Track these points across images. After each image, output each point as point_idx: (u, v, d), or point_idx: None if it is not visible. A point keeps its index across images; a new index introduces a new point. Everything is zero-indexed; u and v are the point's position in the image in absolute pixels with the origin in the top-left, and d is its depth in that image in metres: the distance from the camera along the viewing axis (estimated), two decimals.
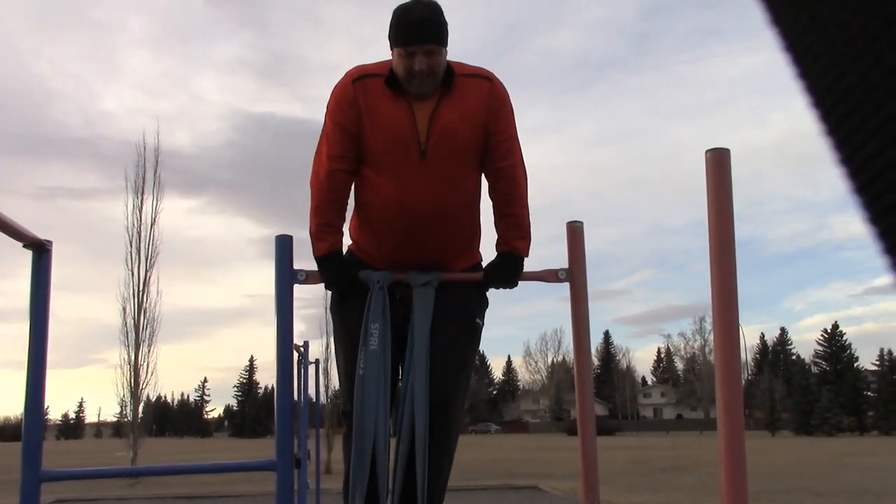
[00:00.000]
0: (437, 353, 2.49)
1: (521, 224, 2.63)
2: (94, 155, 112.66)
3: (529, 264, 2.68)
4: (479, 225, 2.71)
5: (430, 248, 2.57)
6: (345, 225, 2.64)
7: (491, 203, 2.65)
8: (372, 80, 2.46)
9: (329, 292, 2.71)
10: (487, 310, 2.70)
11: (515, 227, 2.63)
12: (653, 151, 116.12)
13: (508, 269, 2.61)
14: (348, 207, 2.65)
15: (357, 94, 2.45)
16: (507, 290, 2.66)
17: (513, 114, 2.57)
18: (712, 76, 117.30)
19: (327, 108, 2.52)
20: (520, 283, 2.66)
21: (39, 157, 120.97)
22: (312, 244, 2.56)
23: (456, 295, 2.58)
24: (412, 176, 2.47)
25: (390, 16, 2.43)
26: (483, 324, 2.67)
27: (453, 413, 2.52)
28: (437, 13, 2.41)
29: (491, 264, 2.65)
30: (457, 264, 2.64)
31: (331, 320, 2.75)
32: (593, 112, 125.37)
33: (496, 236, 2.66)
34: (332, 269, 2.54)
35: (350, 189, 2.59)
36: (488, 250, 2.72)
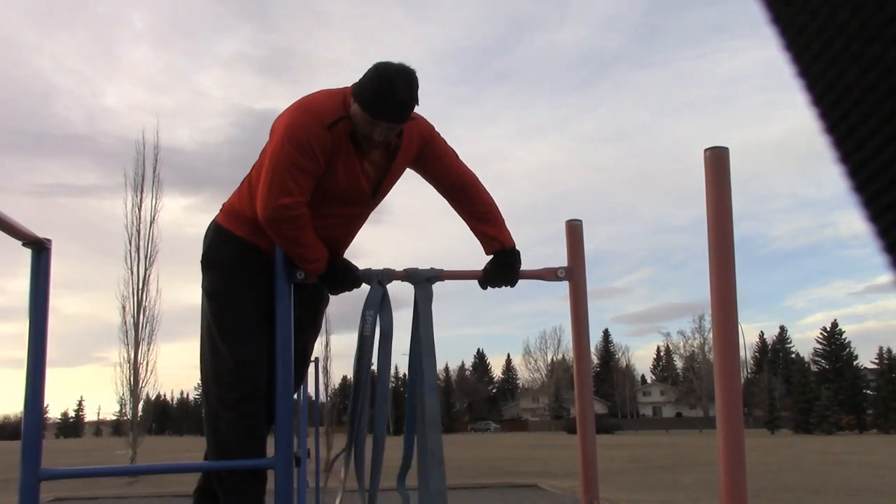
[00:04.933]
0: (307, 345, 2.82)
1: (499, 217, 2.72)
2: (95, 152, 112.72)
3: (528, 263, 2.68)
4: None
5: (339, 249, 2.74)
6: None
7: (462, 216, 2.74)
8: (342, 126, 2.45)
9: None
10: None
11: (495, 223, 2.70)
12: (655, 148, 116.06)
13: (510, 267, 2.64)
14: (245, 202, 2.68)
15: (333, 142, 2.45)
16: (509, 288, 2.68)
17: (438, 132, 2.71)
18: (717, 73, 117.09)
19: (290, 144, 2.41)
20: (520, 280, 2.66)
21: (39, 154, 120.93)
22: (310, 266, 2.49)
23: (324, 296, 2.86)
24: (358, 212, 2.69)
25: (371, 70, 2.38)
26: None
27: None
28: (415, 92, 2.41)
29: (491, 266, 2.65)
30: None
31: (223, 301, 2.68)
32: (596, 109, 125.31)
33: (480, 243, 2.71)
34: (341, 273, 2.55)
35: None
36: (474, 255, 2.74)
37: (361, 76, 2.44)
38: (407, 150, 2.62)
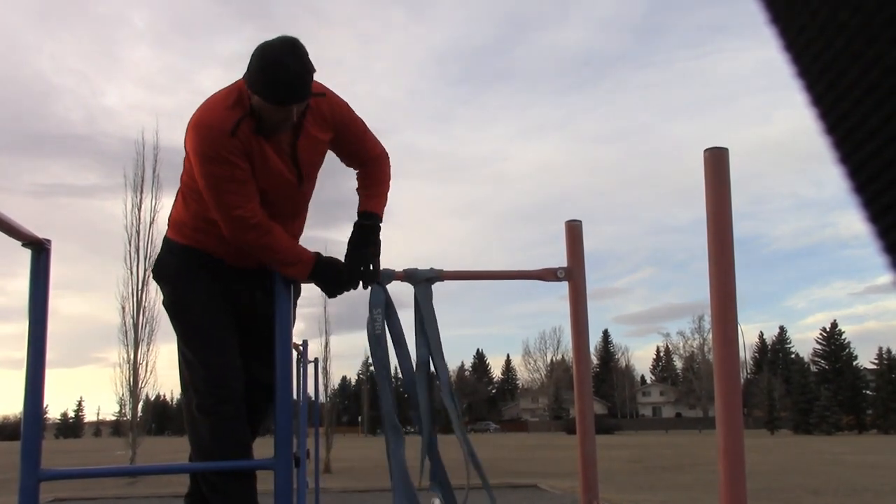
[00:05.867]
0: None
1: (378, 187, 2.67)
2: (95, 152, 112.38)
3: (528, 263, 2.69)
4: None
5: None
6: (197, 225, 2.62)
7: (357, 179, 2.69)
8: (245, 127, 2.38)
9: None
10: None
11: (371, 189, 2.65)
12: (655, 148, 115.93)
13: (356, 243, 2.54)
14: (185, 208, 2.65)
15: (242, 144, 2.38)
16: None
17: (352, 110, 2.61)
18: (717, 73, 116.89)
19: (206, 163, 2.38)
20: (519, 281, 2.67)
21: (39, 154, 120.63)
22: (293, 271, 2.45)
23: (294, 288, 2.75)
24: (289, 205, 2.59)
25: (256, 56, 2.27)
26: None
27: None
28: (307, 61, 2.29)
29: (348, 248, 2.57)
30: None
31: (184, 314, 2.66)
32: (596, 109, 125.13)
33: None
34: (326, 274, 2.48)
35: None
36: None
37: (248, 63, 2.32)
38: (317, 126, 2.52)
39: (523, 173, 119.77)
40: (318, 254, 2.52)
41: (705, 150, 2.08)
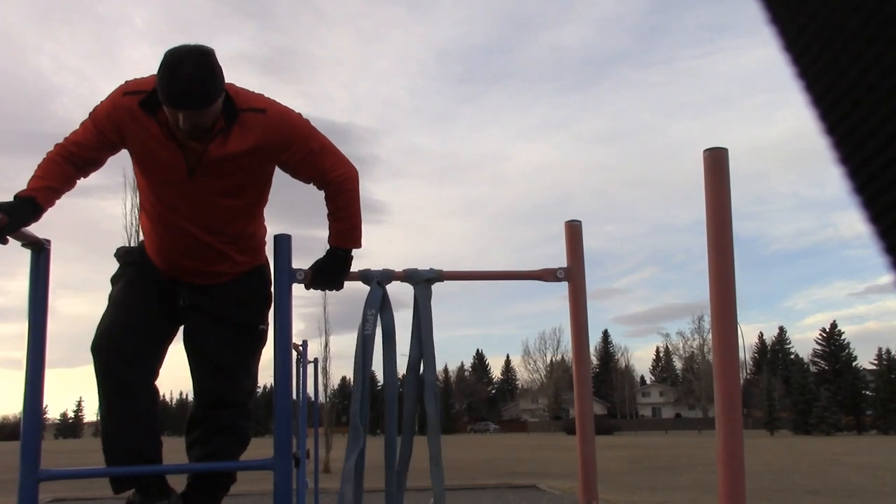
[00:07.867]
0: (216, 353, 2.73)
1: (346, 218, 2.61)
2: None
3: (528, 263, 2.68)
4: (261, 230, 2.80)
5: (198, 260, 2.67)
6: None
7: (325, 204, 2.64)
8: (135, 97, 2.41)
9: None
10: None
11: (339, 221, 2.61)
12: (655, 149, 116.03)
13: (322, 268, 2.56)
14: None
15: (127, 108, 2.43)
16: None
17: (306, 129, 2.54)
18: (718, 73, 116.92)
19: (97, 107, 2.50)
20: (518, 281, 2.66)
21: (39, 154, 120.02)
22: (29, 183, 2.38)
23: (246, 294, 2.78)
24: (176, 191, 2.53)
25: (162, 58, 2.30)
26: (266, 327, 2.80)
27: (241, 405, 2.81)
28: (204, 78, 2.27)
29: (315, 266, 2.57)
30: (225, 268, 2.72)
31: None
32: (596, 109, 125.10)
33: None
34: (24, 210, 2.27)
35: (72, 178, 2.50)
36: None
37: None
38: (241, 138, 2.45)
39: (523, 173, 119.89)
40: (31, 198, 2.31)
41: (705, 151, 2.09)
